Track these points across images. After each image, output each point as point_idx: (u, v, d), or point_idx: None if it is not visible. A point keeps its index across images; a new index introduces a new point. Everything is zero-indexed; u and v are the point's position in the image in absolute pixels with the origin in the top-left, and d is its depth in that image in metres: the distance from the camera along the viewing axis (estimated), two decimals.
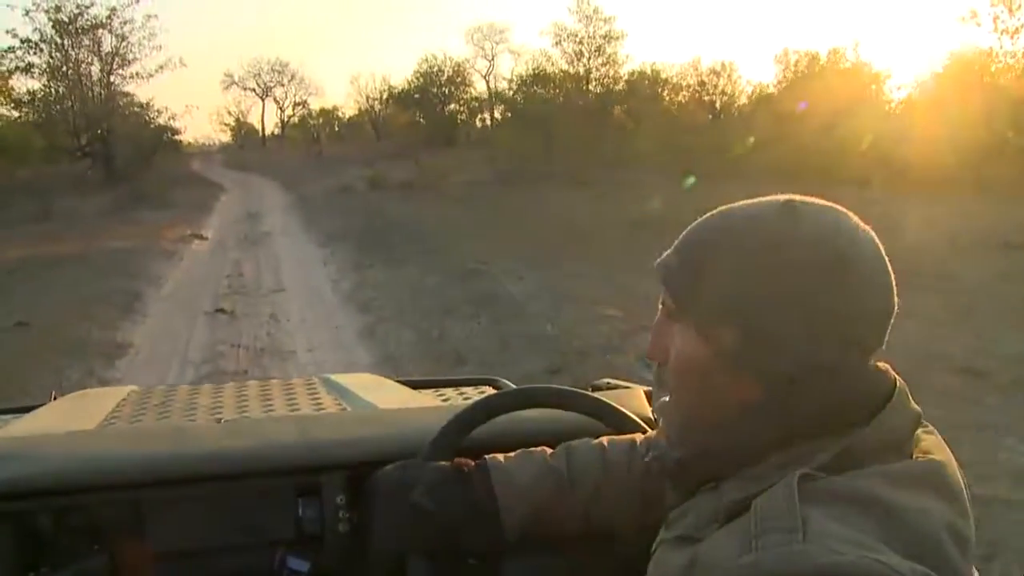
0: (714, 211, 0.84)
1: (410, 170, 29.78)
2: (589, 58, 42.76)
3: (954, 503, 0.72)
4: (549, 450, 1.16)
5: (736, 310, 0.77)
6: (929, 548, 0.66)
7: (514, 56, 59.72)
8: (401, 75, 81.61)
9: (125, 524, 1.13)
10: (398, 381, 1.91)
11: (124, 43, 32.13)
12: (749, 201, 0.82)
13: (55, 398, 1.92)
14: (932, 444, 0.79)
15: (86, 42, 31.46)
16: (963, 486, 0.75)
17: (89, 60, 31.96)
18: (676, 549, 0.80)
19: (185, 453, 1.20)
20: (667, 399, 0.86)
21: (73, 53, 31.44)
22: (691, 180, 16.65)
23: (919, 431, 0.80)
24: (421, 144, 42.89)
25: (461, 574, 1.11)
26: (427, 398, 1.71)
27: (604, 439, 1.15)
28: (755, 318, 0.76)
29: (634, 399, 1.35)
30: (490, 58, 54.20)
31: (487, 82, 53.96)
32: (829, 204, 0.80)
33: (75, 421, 1.54)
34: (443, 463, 1.12)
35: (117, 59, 32.26)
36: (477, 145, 43.29)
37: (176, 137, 41.22)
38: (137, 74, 32.57)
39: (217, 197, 26.61)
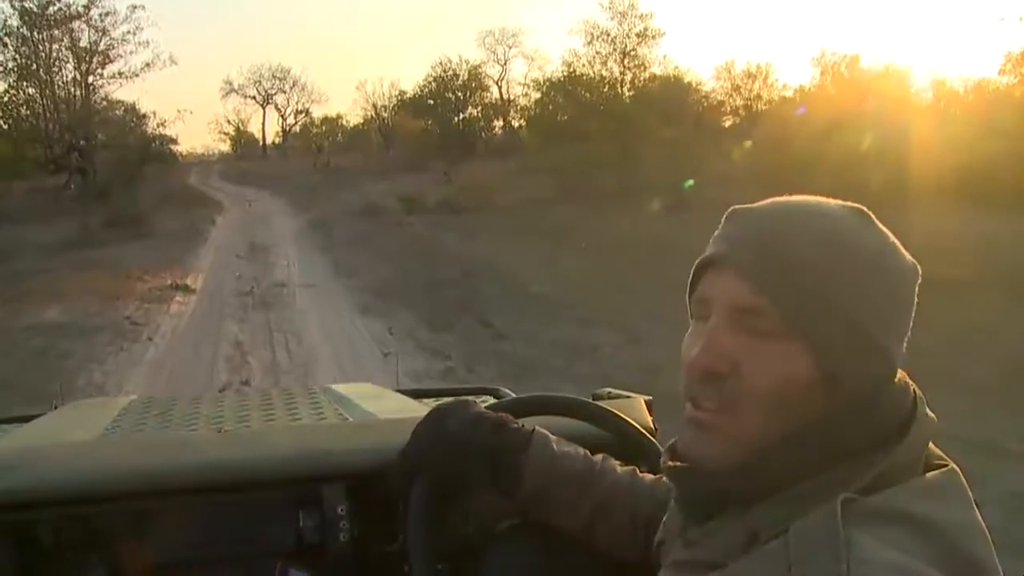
0: (779, 207, 0.75)
1: (442, 184, 24.27)
2: (623, 58, 37.48)
3: (973, 505, 0.68)
4: None
5: (850, 322, 0.69)
6: (973, 563, 0.63)
7: (527, 61, 54.60)
8: (409, 82, 75.79)
9: (125, 535, 1.09)
10: (399, 391, 1.85)
11: (105, 38, 26.36)
12: (810, 201, 0.75)
13: (56, 408, 1.87)
14: (938, 451, 0.74)
15: (59, 36, 25.65)
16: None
17: (64, 57, 26.18)
18: (693, 572, 0.72)
19: (185, 463, 1.14)
20: (720, 420, 0.72)
21: (44, 49, 25.66)
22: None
23: None
24: (436, 153, 37.91)
25: (456, 528, 1.08)
26: (428, 408, 1.37)
27: (636, 469, 1.07)
28: (867, 330, 0.70)
29: (635, 409, 1.28)
30: (503, 63, 49.11)
31: (499, 87, 48.81)
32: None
33: (75, 431, 1.49)
34: (489, 411, 1.08)
35: (97, 56, 26.47)
36: (498, 153, 37.96)
37: (169, 146, 35.39)
38: (120, 73, 26.76)
39: (212, 219, 20.80)
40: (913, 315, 0.73)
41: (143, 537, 1.09)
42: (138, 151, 27.66)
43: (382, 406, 1.60)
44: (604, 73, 37.65)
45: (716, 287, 0.73)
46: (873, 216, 0.74)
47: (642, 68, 37.94)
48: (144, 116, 29.47)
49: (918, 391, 0.74)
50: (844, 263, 0.70)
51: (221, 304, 10.29)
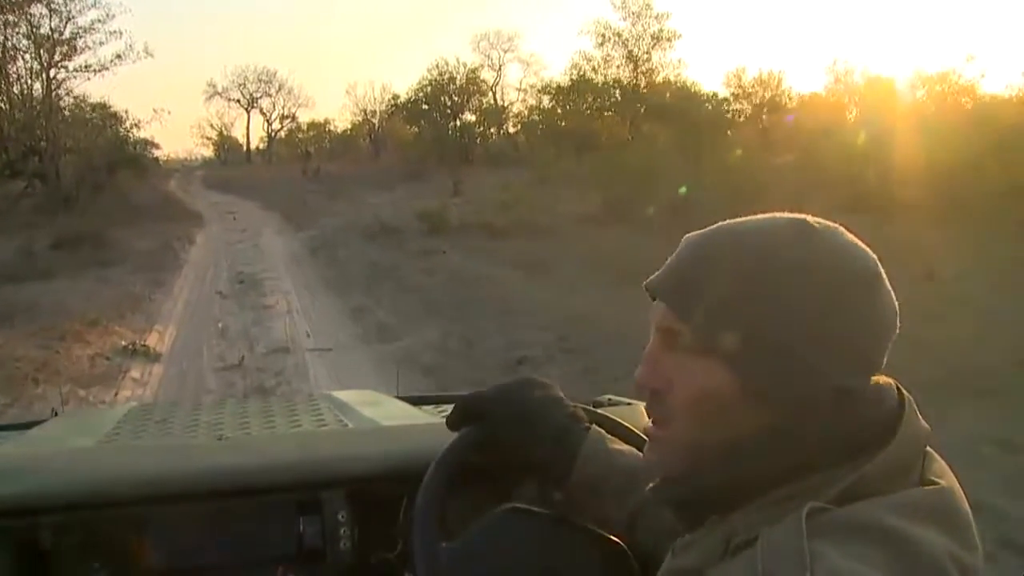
0: (718, 228, 0.75)
1: (452, 196, 20.65)
2: (635, 64, 33.97)
3: (962, 534, 0.65)
4: None
5: (764, 338, 0.68)
6: None
7: (523, 66, 51.13)
8: (400, 87, 71.67)
9: (126, 541, 1.07)
10: (398, 397, 1.78)
11: (69, 25, 22.37)
12: (755, 219, 0.74)
13: (56, 414, 1.82)
14: (940, 468, 0.71)
15: (14, 20, 21.61)
16: (970, 514, 0.68)
17: (20, 46, 22.12)
18: None
19: (186, 470, 1.13)
20: (661, 432, 0.76)
21: None
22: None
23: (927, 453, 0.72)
24: (432, 160, 34.53)
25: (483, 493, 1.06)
26: (428, 414, 1.55)
27: None
28: (784, 345, 0.68)
29: (636, 416, 1.21)
30: (497, 68, 45.58)
31: (493, 93, 45.25)
32: (832, 223, 0.74)
33: (76, 437, 1.46)
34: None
35: (60, 46, 22.47)
36: (497, 161, 34.48)
37: (148, 151, 31.31)
38: (87, 66, 22.78)
39: (191, 237, 16.92)
40: (877, 329, 0.70)
41: (144, 543, 1.06)
42: (107, 155, 23.69)
43: (383, 413, 1.54)
44: (614, 77, 34.47)
45: (652, 310, 0.76)
46: (816, 227, 0.71)
47: (655, 73, 34.78)
48: (116, 116, 25.55)
49: (910, 400, 0.72)
50: (759, 281, 0.69)
51: (196, 387, 6.58)
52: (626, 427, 1.10)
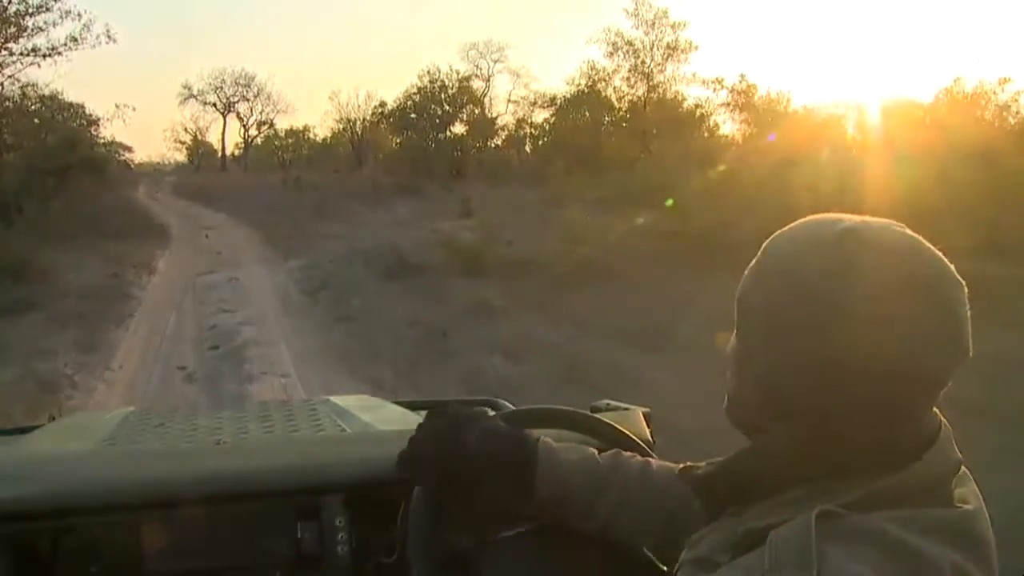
0: (778, 234, 0.73)
1: (462, 218, 17.14)
2: (650, 75, 30.72)
3: (976, 555, 0.64)
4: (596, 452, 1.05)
5: (767, 331, 0.69)
6: None
7: (513, 77, 47.73)
8: (384, 94, 67.55)
9: (123, 546, 1.05)
10: (396, 402, 1.74)
11: (14, 1, 18.33)
12: (807, 221, 0.72)
13: (53, 419, 1.78)
14: (968, 493, 0.71)
15: None
16: (991, 540, 0.67)
17: None
18: (694, 571, 0.73)
19: (184, 475, 1.10)
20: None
21: None
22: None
23: (959, 475, 0.71)
24: (421, 172, 31.21)
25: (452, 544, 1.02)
26: None
27: (652, 460, 1.03)
28: (785, 343, 0.67)
29: (633, 421, 1.24)
30: (487, 79, 42.13)
31: (482, 104, 41.81)
32: (893, 224, 0.69)
33: (73, 442, 1.43)
34: (506, 424, 1.03)
35: (3, 26, 18.44)
36: (494, 175, 31.09)
37: (112, 151, 27.03)
38: (35, 50, 18.71)
39: (150, 264, 13.01)
40: (921, 339, 0.64)
41: (142, 548, 1.05)
42: (60, 156, 19.57)
43: (380, 417, 1.52)
44: (625, 90, 31.25)
45: None
46: (864, 228, 0.68)
47: (667, 87, 31.60)
48: (74, 109, 21.45)
49: (946, 427, 0.70)
50: (781, 288, 0.68)
51: None
52: (622, 432, 1.08)
